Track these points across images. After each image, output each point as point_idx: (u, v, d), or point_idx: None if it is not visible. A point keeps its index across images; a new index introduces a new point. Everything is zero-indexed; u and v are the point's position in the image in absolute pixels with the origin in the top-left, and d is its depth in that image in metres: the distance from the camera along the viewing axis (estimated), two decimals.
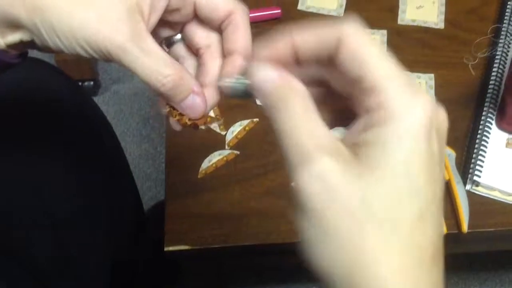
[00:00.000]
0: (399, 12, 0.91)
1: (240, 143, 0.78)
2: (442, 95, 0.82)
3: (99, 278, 0.77)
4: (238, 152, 0.77)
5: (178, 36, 0.42)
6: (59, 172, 0.68)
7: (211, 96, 0.40)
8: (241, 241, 0.71)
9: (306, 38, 0.32)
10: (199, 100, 0.39)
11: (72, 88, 0.75)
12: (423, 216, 0.28)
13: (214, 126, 0.79)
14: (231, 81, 0.37)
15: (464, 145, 0.78)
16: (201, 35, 0.41)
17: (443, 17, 0.91)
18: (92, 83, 1.41)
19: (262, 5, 0.91)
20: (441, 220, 0.29)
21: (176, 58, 0.42)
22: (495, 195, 0.73)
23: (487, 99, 0.80)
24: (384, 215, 0.27)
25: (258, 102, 0.33)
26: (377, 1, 0.93)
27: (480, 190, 0.74)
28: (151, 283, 1.00)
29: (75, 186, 0.70)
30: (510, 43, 0.86)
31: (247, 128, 0.79)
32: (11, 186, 0.64)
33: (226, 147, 0.78)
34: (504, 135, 0.77)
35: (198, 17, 0.40)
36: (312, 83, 0.33)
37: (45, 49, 0.38)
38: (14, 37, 0.37)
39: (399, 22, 0.91)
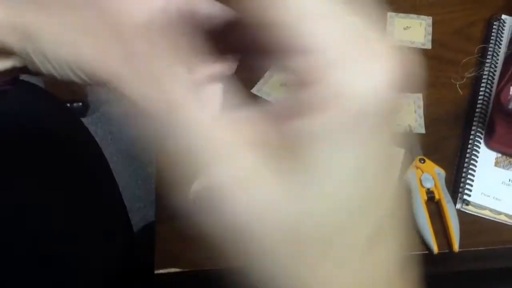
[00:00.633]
0: (387, 33, 0.93)
1: None
2: (431, 115, 0.83)
3: None
4: None
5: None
6: (47, 195, 0.68)
7: None
8: (233, 263, 0.70)
9: None
10: None
11: (60, 110, 0.75)
12: (374, 239, 0.22)
13: None
14: None
15: (454, 164, 0.78)
16: None
17: (430, 37, 0.92)
18: (81, 104, 1.41)
19: None
20: (397, 242, 0.24)
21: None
22: (486, 214, 0.74)
23: (475, 118, 0.81)
24: (334, 238, 0.21)
25: None
26: None
27: (470, 209, 0.74)
28: None
29: (63, 209, 0.69)
30: (496, 63, 0.87)
31: None
32: None
33: None
34: (493, 154, 0.78)
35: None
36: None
37: (38, 74, 0.37)
38: (5, 64, 0.37)
39: None
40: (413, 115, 0.83)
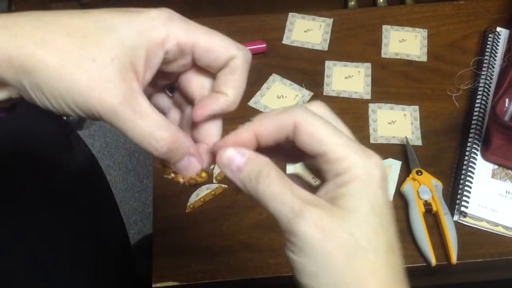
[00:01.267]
0: (382, 46, 0.93)
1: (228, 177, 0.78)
2: (427, 127, 0.83)
3: None
4: (226, 186, 0.77)
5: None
6: (44, 209, 0.67)
7: (207, 158, 0.40)
8: (230, 276, 0.70)
9: (265, 127, 0.37)
10: (194, 161, 0.38)
11: (57, 124, 0.75)
12: (391, 246, 0.35)
13: None
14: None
15: (451, 176, 0.78)
16: (196, 84, 0.40)
17: (425, 50, 0.93)
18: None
19: (247, 39, 0.92)
20: (400, 250, 0.37)
21: (179, 105, 0.42)
22: (483, 225, 0.74)
23: (471, 130, 0.81)
24: (368, 245, 0.34)
25: None
26: (361, 35, 0.95)
27: (467, 221, 0.74)
28: None
29: (61, 223, 0.69)
30: (492, 75, 0.87)
31: None
32: None
33: (214, 181, 0.78)
34: (490, 166, 0.78)
35: (196, 66, 0.39)
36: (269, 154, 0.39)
37: (34, 104, 0.37)
38: (1, 94, 0.36)
39: (383, 55, 0.92)
40: (409, 127, 0.83)
